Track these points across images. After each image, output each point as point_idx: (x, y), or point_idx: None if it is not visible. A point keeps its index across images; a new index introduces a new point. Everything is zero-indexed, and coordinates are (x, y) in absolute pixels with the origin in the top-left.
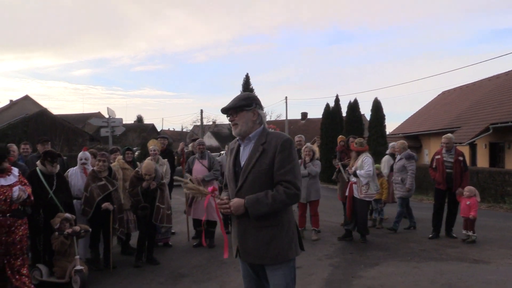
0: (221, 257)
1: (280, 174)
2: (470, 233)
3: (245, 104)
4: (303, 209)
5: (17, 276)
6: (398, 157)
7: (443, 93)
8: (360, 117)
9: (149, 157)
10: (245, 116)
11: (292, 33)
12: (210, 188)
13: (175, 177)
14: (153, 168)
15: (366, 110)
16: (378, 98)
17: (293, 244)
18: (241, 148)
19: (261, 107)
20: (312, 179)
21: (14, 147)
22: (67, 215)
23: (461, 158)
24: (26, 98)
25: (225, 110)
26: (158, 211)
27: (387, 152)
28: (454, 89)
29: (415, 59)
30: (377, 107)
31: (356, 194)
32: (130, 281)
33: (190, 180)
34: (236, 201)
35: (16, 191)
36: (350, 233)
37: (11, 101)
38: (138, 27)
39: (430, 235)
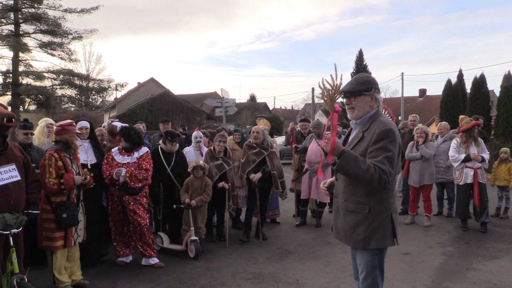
0: (327, 237)
1: (375, 162)
2: None
3: (364, 88)
4: (415, 193)
5: (141, 242)
6: None
7: None
8: (487, 93)
9: None
10: (363, 101)
11: (406, 1)
12: (336, 106)
13: None
14: (261, 129)
15: (495, 86)
16: (511, 72)
17: (379, 235)
18: (352, 130)
19: (379, 91)
20: (425, 162)
21: (140, 127)
22: (201, 162)
23: None
24: (152, 80)
25: (343, 92)
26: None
27: None
28: None
29: None
30: (508, 82)
31: (480, 179)
32: (239, 254)
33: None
34: (339, 142)
35: (116, 174)
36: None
37: (138, 83)
38: (243, 5)
39: None
